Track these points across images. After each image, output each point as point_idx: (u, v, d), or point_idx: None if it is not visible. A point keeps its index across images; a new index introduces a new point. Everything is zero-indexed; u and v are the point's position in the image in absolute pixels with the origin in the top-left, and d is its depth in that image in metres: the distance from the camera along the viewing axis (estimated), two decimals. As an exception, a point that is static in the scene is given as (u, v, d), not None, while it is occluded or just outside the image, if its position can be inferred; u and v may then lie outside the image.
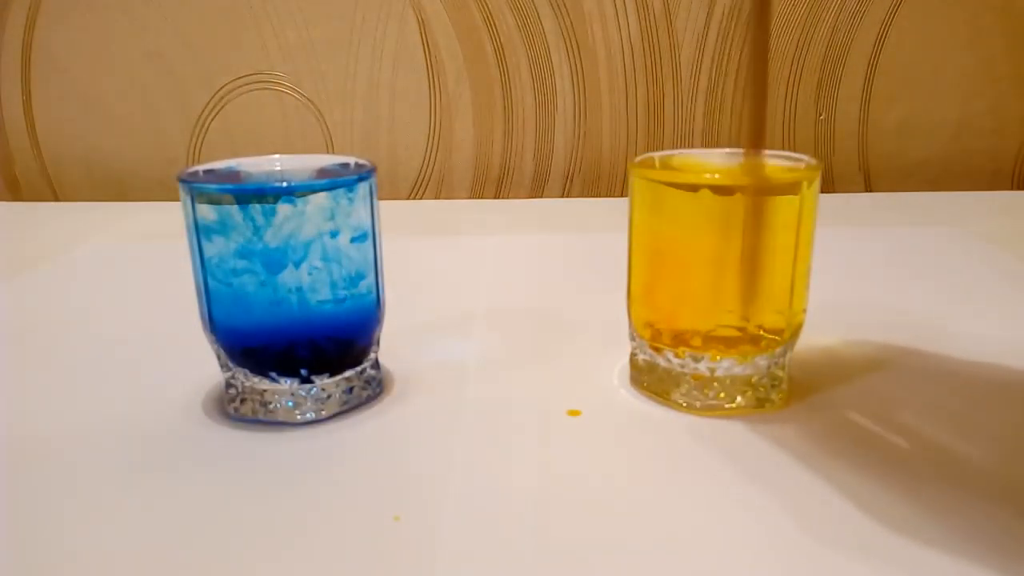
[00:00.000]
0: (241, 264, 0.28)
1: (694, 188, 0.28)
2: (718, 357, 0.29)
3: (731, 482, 0.25)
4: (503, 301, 0.43)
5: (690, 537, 0.23)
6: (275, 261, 0.28)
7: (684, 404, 0.30)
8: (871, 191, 0.73)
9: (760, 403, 0.30)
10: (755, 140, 0.28)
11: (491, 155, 0.72)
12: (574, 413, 0.30)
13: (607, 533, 0.23)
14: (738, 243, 0.28)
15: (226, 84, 0.69)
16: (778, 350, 0.29)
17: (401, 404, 0.31)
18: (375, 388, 0.31)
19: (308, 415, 0.29)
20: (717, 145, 0.72)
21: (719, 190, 0.27)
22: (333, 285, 0.29)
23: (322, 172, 0.32)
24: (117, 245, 0.55)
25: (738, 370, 0.29)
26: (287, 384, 0.29)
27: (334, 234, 0.28)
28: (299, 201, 0.27)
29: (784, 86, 0.70)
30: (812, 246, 0.29)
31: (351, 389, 0.30)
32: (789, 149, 0.71)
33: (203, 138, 0.71)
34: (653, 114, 0.71)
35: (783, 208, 0.28)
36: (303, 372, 0.29)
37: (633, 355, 0.32)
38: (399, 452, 0.27)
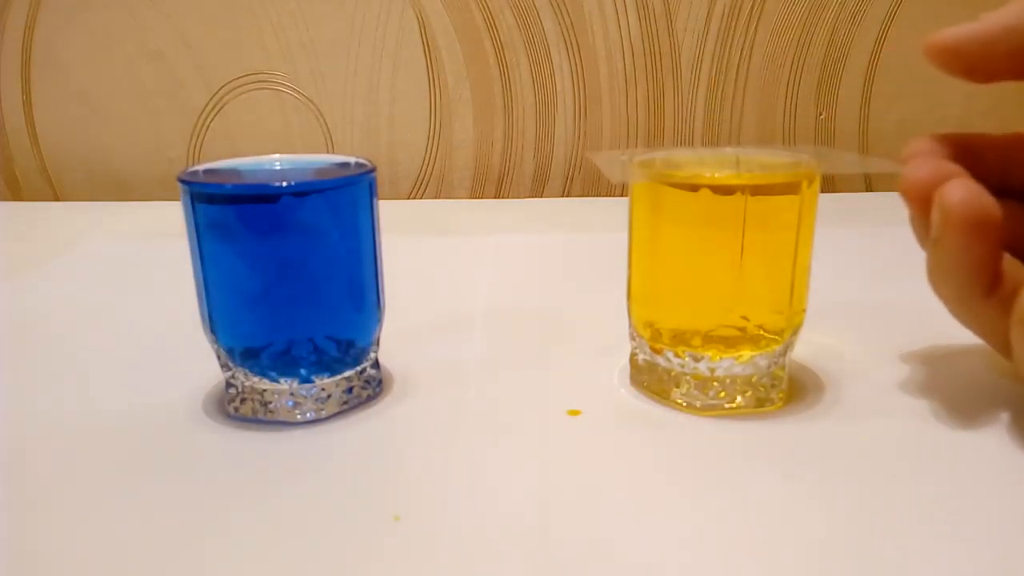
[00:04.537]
0: (241, 264, 0.28)
1: (694, 188, 0.28)
2: (718, 357, 0.29)
3: (731, 482, 0.25)
4: (503, 301, 0.43)
5: (690, 537, 0.23)
6: (275, 261, 0.28)
7: (684, 404, 0.30)
8: (871, 191, 0.73)
9: (760, 403, 0.30)
10: None
11: (491, 155, 0.72)
12: (574, 413, 0.30)
13: (607, 533, 0.23)
14: (738, 243, 0.28)
15: (226, 84, 0.69)
16: (778, 350, 0.29)
17: (401, 404, 0.31)
18: (375, 388, 0.31)
19: (308, 415, 0.29)
20: (717, 144, 0.72)
21: (719, 190, 0.27)
22: (333, 285, 0.29)
23: (322, 172, 0.32)
24: (117, 245, 0.55)
25: (738, 370, 0.29)
26: (287, 384, 0.29)
27: (334, 234, 0.28)
28: (299, 201, 0.27)
29: (784, 86, 0.70)
30: (812, 246, 0.29)
31: (351, 389, 0.30)
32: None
33: (203, 138, 0.71)
34: (653, 114, 0.71)
35: (783, 208, 0.28)
36: (303, 372, 0.29)
37: (633, 355, 0.32)
38: (399, 452, 0.27)
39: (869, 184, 0.73)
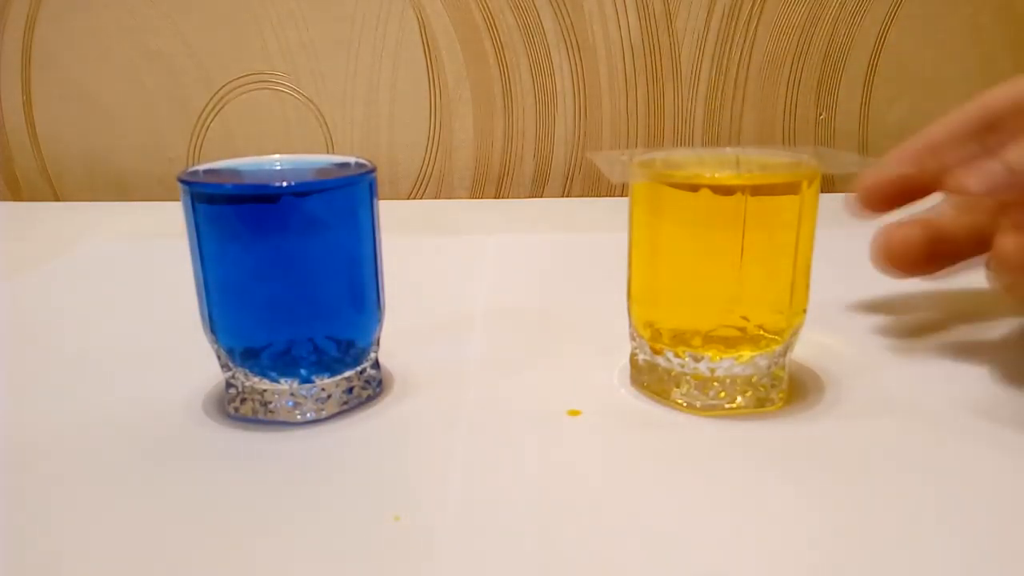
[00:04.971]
0: (241, 264, 0.28)
1: (694, 188, 0.28)
2: (718, 357, 0.29)
3: (731, 482, 0.25)
4: (503, 301, 0.43)
5: (690, 537, 0.23)
6: (275, 261, 0.28)
7: (684, 404, 0.30)
8: (871, 191, 0.73)
9: (760, 403, 0.30)
10: None
11: (491, 155, 0.72)
12: (574, 413, 0.30)
13: (607, 533, 0.23)
14: (738, 243, 0.28)
15: (226, 84, 0.69)
16: (778, 350, 0.29)
17: (401, 404, 0.31)
18: (375, 388, 0.31)
19: (308, 415, 0.29)
20: (717, 144, 0.72)
21: (719, 190, 0.27)
22: (333, 285, 0.29)
23: (322, 172, 0.32)
24: (117, 245, 0.55)
25: (738, 370, 0.29)
26: (287, 384, 0.29)
27: (334, 234, 0.28)
28: (299, 201, 0.27)
29: (784, 86, 0.70)
30: (812, 246, 0.29)
31: (351, 389, 0.30)
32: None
33: (203, 138, 0.71)
34: (653, 114, 0.71)
35: (783, 208, 0.28)
36: (303, 372, 0.29)
37: (633, 355, 0.32)
38: (399, 452, 0.27)
39: (869, 184, 0.73)
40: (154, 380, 0.33)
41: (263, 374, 0.29)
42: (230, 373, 0.30)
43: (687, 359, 0.29)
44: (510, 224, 0.60)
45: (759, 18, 0.68)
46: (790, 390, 0.31)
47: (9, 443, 0.28)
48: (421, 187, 0.73)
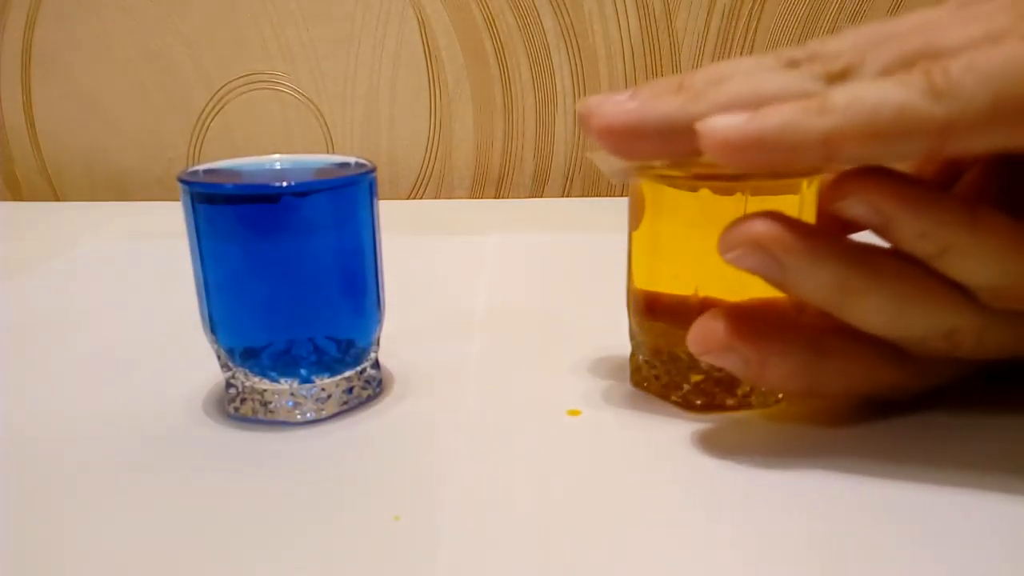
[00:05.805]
0: (241, 264, 0.28)
1: (694, 188, 0.28)
2: (718, 357, 0.29)
3: (731, 482, 0.25)
4: (503, 301, 0.43)
5: (690, 537, 0.23)
6: (275, 261, 0.28)
7: (684, 404, 0.30)
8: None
9: (760, 403, 0.30)
10: None
11: (491, 155, 0.72)
12: (574, 413, 0.30)
13: (607, 533, 0.23)
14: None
15: (226, 84, 0.69)
16: (778, 350, 0.29)
17: (401, 404, 0.31)
18: (375, 388, 0.31)
19: (308, 415, 0.29)
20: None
21: (719, 190, 0.27)
22: (333, 285, 0.29)
23: (322, 172, 0.32)
24: (117, 245, 0.55)
25: (738, 370, 0.29)
26: (287, 384, 0.29)
27: (334, 234, 0.28)
28: (299, 201, 0.27)
29: (784, 86, 0.70)
30: (812, 246, 0.29)
31: (351, 389, 0.30)
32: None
33: (203, 138, 0.71)
34: (653, 114, 0.71)
35: (783, 208, 0.28)
36: (303, 372, 0.29)
37: (633, 355, 0.32)
38: (399, 452, 0.27)
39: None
40: (154, 380, 0.33)
41: (263, 374, 0.29)
42: (230, 373, 0.30)
43: (687, 359, 0.29)
44: (510, 224, 0.60)
45: (759, 18, 0.68)
46: (790, 390, 0.31)
47: (8, 443, 0.28)
48: (421, 187, 0.73)
